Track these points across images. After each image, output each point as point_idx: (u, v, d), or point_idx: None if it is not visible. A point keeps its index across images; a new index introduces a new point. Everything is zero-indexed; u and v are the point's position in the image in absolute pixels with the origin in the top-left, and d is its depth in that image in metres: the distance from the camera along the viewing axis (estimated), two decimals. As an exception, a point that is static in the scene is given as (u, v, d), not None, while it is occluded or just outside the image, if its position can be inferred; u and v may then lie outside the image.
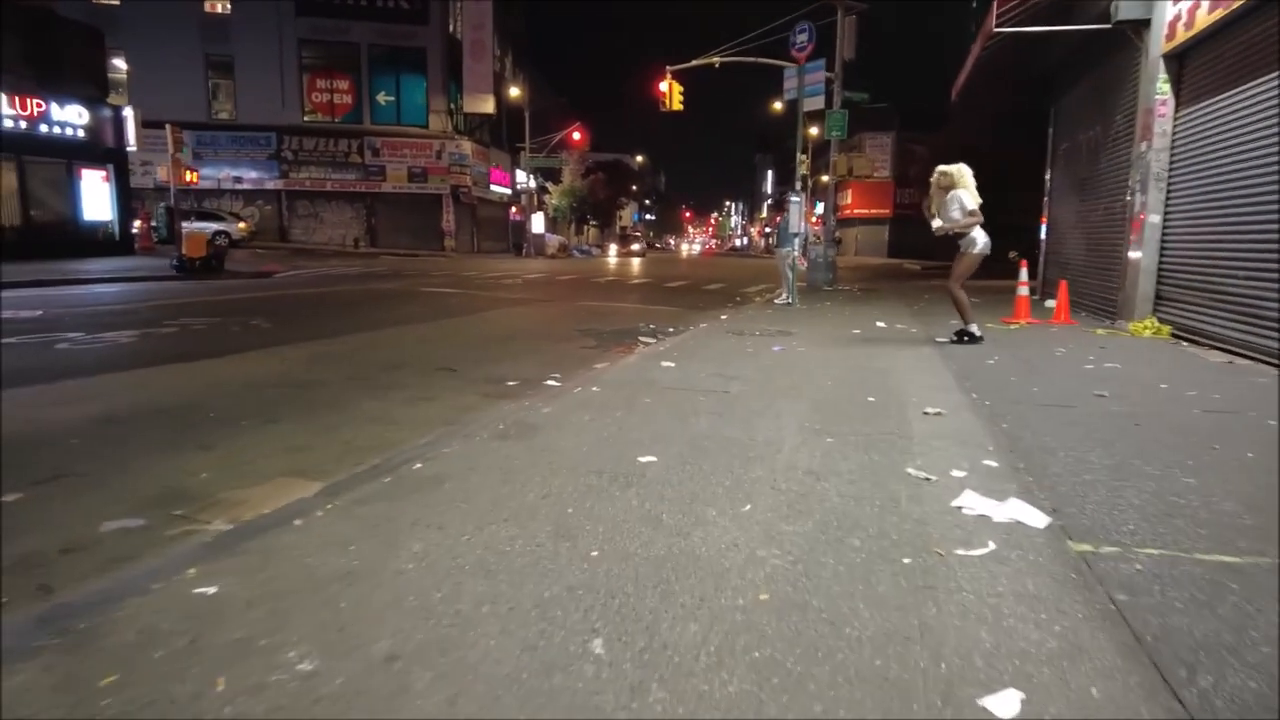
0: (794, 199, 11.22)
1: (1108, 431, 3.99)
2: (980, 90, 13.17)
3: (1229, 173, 7.40)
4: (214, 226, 28.24)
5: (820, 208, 32.78)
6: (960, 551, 2.38)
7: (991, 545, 2.44)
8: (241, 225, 31.95)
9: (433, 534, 2.49)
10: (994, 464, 3.36)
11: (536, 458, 3.40)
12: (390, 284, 16.14)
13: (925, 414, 4.36)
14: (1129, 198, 9.09)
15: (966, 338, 7.36)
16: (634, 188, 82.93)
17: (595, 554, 2.34)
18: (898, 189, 47.56)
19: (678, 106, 22.76)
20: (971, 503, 2.82)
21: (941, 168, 7.33)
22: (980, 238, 7.24)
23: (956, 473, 3.22)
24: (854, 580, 2.18)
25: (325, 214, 38.41)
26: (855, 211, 50.07)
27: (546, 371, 6.13)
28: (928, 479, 3.13)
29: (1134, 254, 8.86)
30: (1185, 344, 7.73)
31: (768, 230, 65.80)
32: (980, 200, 7.19)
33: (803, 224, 11.48)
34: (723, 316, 10.38)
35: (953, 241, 7.41)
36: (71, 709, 1.56)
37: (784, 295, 12.10)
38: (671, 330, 8.99)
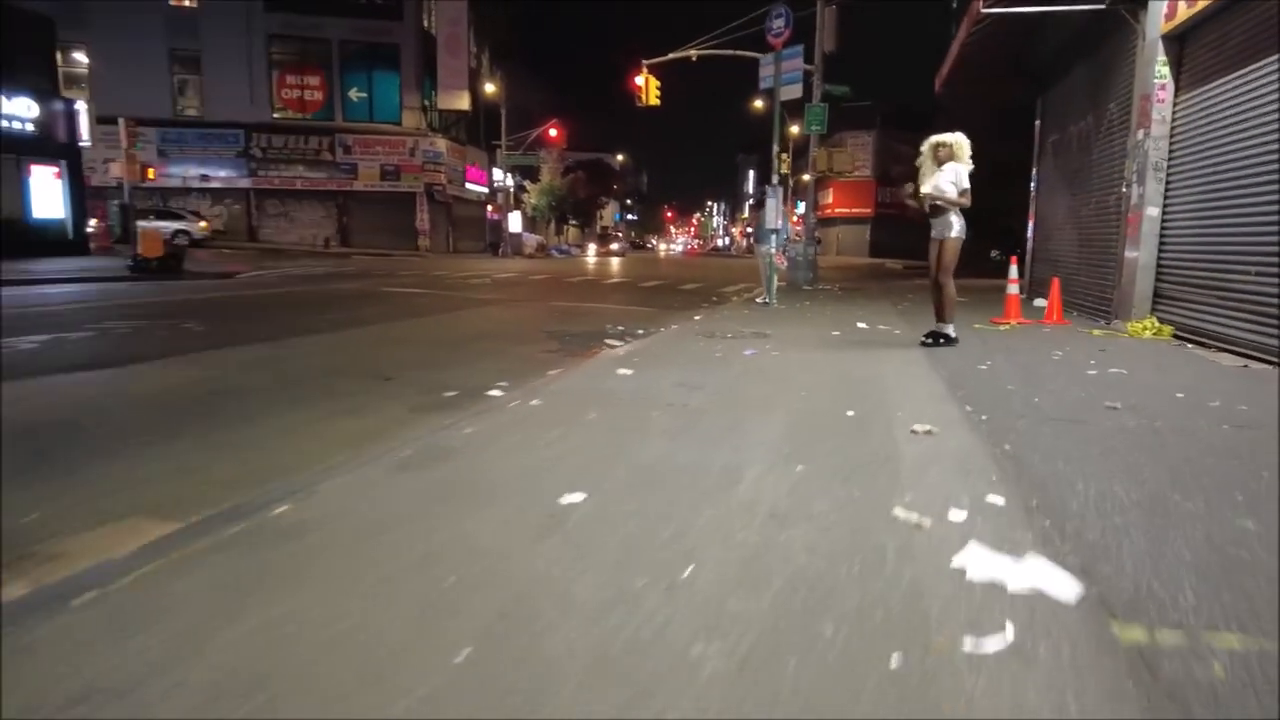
0: (772, 193, 10.59)
1: (1130, 453, 3.37)
2: (964, 81, 12.62)
3: (1234, 161, 6.84)
4: (173, 225, 27.28)
5: (801, 207, 32.27)
6: (969, 646, 1.73)
7: (1010, 632, 1.79)
8: (203, 224, 31.00)
9: (250, 620, 1.81)
10: (1000, 501, 2.73)
11: (434, 498, 2.72)
12: (355, 284, 15.39)
13: (914, 432, 3.73)
14: (1125, 190, 8.53)
15: (941, 340, 6.77)
16: (615, 187, 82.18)
17: (465, 656, 1.67)
18: (879, 188, 47.22)
19: (654, 102, 22.11)
20: (978, 562, 2.18)
21: (937, 137, 6.68)
22: (958, 222, 6.65)
23: (955, 514, 2.58)
24: (822, 699, 1.53)
25: (296, 213, 37.49)
26: (836, 211, 49.67)
27: (494, 379, 5.48)
28: (920, 524, 2.48)
29: (1131, 251, 8.29)
30: (1190, 345, 7.16)
31: (749, 230, 65.38)
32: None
33: (782, 220, 10.85)
34: (696, 317, 9.74)
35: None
36: None
37: (763, 295, 11.48)
38: (640, 332, 8.34)
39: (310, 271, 19.69)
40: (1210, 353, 6.71)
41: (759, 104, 37.14)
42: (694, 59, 20.17)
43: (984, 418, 4.15)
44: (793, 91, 12.77)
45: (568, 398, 4.59)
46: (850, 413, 4.22)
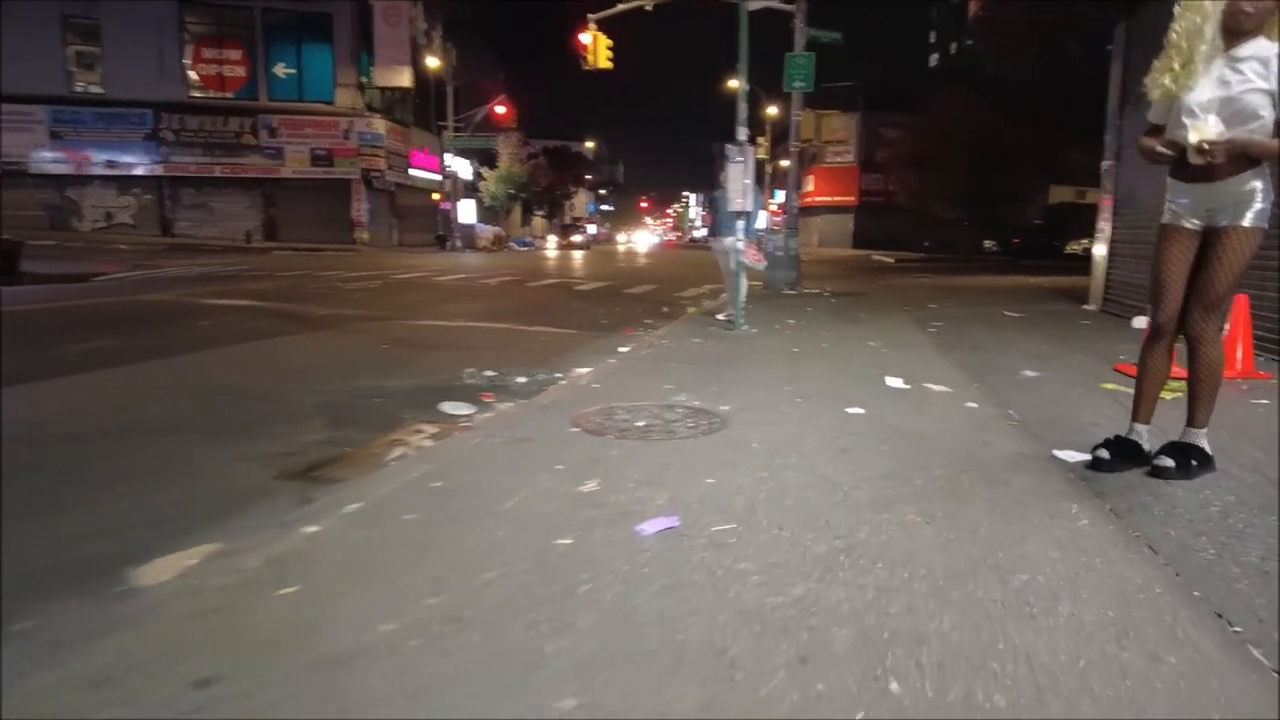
0: (738, 154, 6.90)
1: None
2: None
3: None
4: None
5: (780, 196, 28.63)
6: None
7: None
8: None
9: None
10: None
11: None
12: (207, 290, 11.48)
13: None
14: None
15: (1186, 462, 2.89)
16: (587, 176, 78.29)
17: None
18: (863, 174, 43.75)
19: (605, 64, 18.34)
20: None
21: None
22: (1265, 191, 2.78)
23: None
24: None
25: (216, 204, 33.27)
26: (818, 199, 46.12)
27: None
28: None
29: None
30: None
31: (726, 220, 61.70)
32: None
33: (753, 197, 7.19)
34: (610, 360, 6.05)
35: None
36: None
37: (728, 310, 7.84)
38: (464, 416, 4.60)
39: (209, 271, 15.83)
40: None
41: (733, 84, 33.70)
42: (649, 7, 16.42)
43: None
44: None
45: None
46: None
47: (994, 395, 4.45)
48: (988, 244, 34.70)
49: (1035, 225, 33.88)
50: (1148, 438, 2.99)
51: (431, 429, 4.24)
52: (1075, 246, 31.62)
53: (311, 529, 2.40)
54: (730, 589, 1.94)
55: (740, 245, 7.41)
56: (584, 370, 5.65)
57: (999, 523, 2.44)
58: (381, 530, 2.39)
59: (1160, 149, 2.93)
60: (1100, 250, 9.29)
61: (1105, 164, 9.10)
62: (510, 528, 2.38)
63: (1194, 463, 2.85)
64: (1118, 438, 3.00)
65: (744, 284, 7.70)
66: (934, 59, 63.95)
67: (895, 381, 4.76)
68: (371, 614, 1.84)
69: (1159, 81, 2.87)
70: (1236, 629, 1.80)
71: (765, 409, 4.09)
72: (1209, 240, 2.82)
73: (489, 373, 5.79)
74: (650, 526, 2.35)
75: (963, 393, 4.53)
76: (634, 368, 5.63)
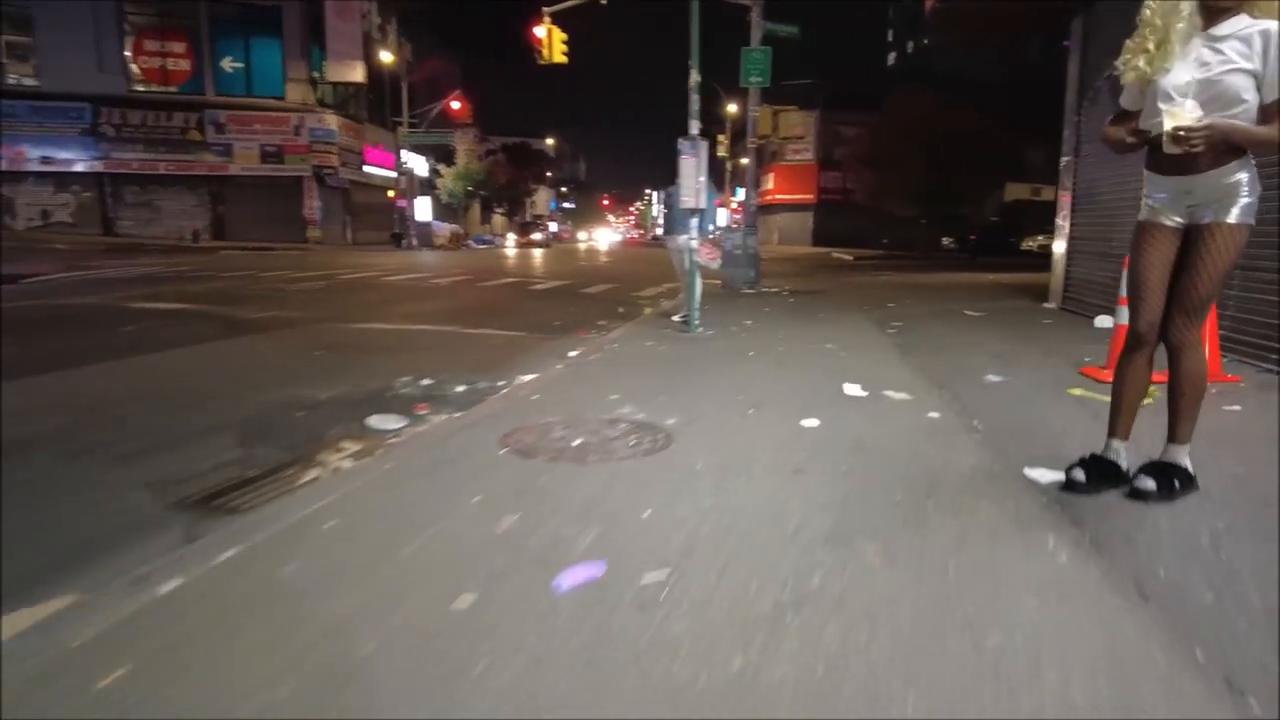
0: (690, 149, 6.57)
1: None
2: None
3: None
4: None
5: (741, 194, 28.43)
6: None
7: None
8: None
9: None
10: None
11: None
12: (140, 291, 10.84)
13: None
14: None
15: (1169, 482, 2.63)
16: (548, 174, 77.48)
17: None
18: (822, 172, 43.85)
19: (560, 58, 17.98)
20: None
21: None
22: (1250, 184, 2.49)
23: None
24: None
25: (161, 202, 32.10)
26: (778, 197, 46.15)
27: None
28: None
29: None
30: None
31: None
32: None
33: (707, 196, 6.88)
34: (559, 364, 5.70)
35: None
36: None
37: (684, 312, 7.53)
38: (392, 431, 4.23)
39: (149, 272, 15.06)
40: None
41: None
42: (604, 1, 16.08)
43: None
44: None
45: None
46: None
47: (957, 403, 4.19)
48: (945, 241, 34.91)
49: (991, 222, 34.19)
50: (1125, 455, 2.72)
51: (354, 446, 3.88)
52: (1031, 243, 31.96)
53: (171, 585, 2.02)
54: (655, 666, 1.61)
55: (694, 244, 7.10)
56: (528, 378, 5.30)
57: (968, 563, 2.15)
58: (251, 586, 2.02)
59: (1127, 138, 2.67)
60: (1060, 247, 9.15)
61: (1064, 160, 8.95)
62: (403, 581, 2.02)
63: (1176, 483, 2.58)
64: (1093, 456, 2.73)
65: (699, 284, 7.40)
66: (892, 58, 64.49)
67: (853, 389, 4.47)
68: (207, 709, 1.47)
69: (1132, 64, 2.59)
70: (1251, 699, 1.52)
71: (715, 422, 3.77)
72: (1191, 238, 2.54)
73: (426, 381, 5.42)
74: (570, 578, 2.01)
75: (924, 400, 4.26)
76: (581, 374, 5.29)
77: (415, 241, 35.23)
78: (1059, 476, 2.79)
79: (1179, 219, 2.56)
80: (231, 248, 27.68)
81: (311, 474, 3.39)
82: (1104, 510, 2.55)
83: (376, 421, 4.34)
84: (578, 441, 3.31)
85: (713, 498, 2.66)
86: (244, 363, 6.24)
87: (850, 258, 28.30)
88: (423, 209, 37.04)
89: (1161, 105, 2.47)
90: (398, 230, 36.36)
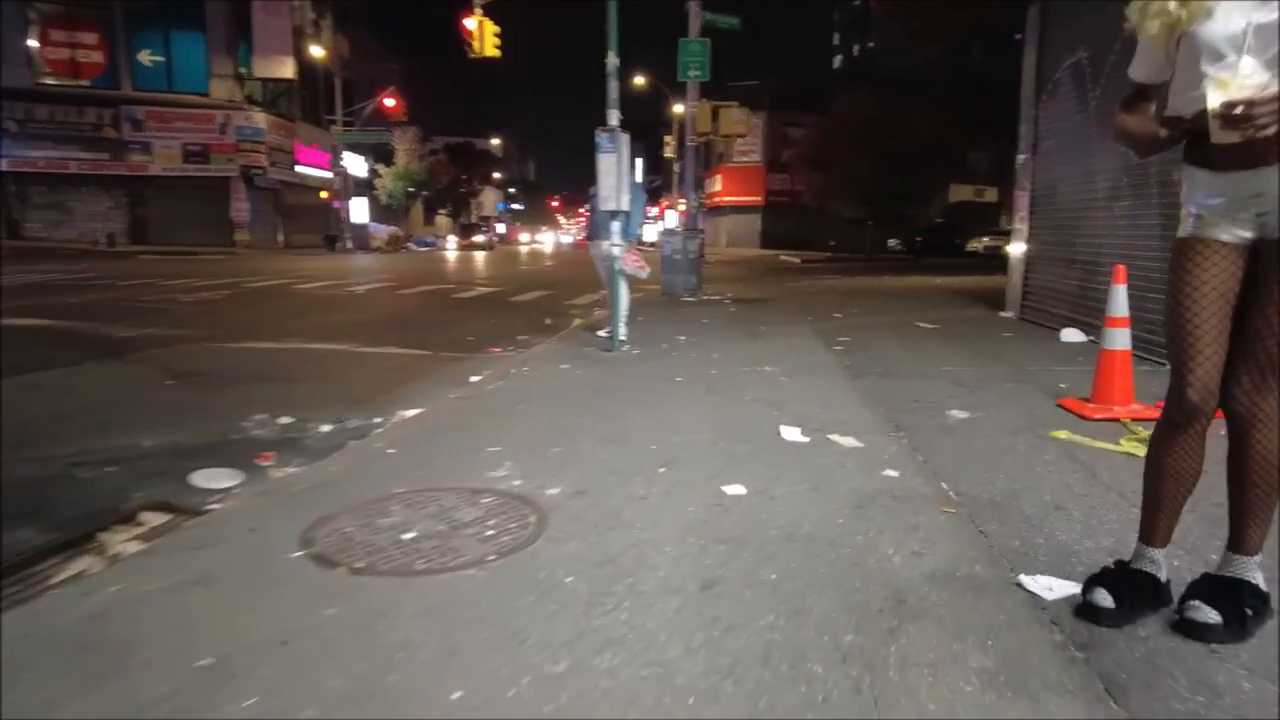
0: (609, 144, 5.68)
1: None
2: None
3: None
4: None
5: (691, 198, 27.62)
6: None
7: None
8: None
9: None
10: None
11: None
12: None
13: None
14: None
15: (1247, 606, 1.82)
16: (495, 174, 75.92)
17: None
18: (770, 174, 43.43)
19: (492, 51, 17.03)
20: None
21: None
22: None
23: None
24: None
25: (73, 203, 30.12)
26: (725, 199, 45.66)
27: None
28: None
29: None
30: None
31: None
32: None
33: (632, 197, 6.03)
34: (454, 394, 4.80)
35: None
36: None
37: (609, 327, 6.65)
38: (217, 491, 3.30)
39: (41, 280, 13.56)
40: None
41: (640, 80, 32.55)
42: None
43: None
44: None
45: None
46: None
47: (919, 452, 3.40)
48: (892, 242, 34.73)
49: (937, 223, 34.13)
50: (1164, 566, 1.92)
51: (155, 520, 2.94)
52: (976, 244, 32.00)
53: None
54: None
55: (617, 251, 6.23)
56: (410, 413, 4.41)
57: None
58: None
59: (1160, 131, 1.83)
60: (1017, 251, 8.49)
61: (1020, 158, 8.29)
62: None
63: (1248, 612, 1.80)
64: (1120, 566, 1.93)
65: (624, 296, 6.54)
66: (838, 60, 64.71)
67: (792, 433, 3.65)
68: None
69: (1155, 8, 1.76)
70: None
71: (610, 490, 2.91)
72: (1263, 261, 1.74)
73: (285, 419, 4.49)
74: None
75: (878, 448, 3.45)
76: (472, 410, 4.39)
77: (351, 244, 33.76)
78: (1068, 588, 1.99)
79: (1242, 233, 1.76)
80: (150, 252, 25.98)
81: (77, 567, 2.44)
82: (1147, 659, 1.74)
83: (201, 479, 3.42)
84: (411, 534, 2.40)
85: (569, 651, 1.77)
86: (72, 398, 5.17)
87: (798, 260, 27.78)
88: (359, 210, 35.57)
89: (1206, 69, 1.67)
90: (333, 232, 34.81)
